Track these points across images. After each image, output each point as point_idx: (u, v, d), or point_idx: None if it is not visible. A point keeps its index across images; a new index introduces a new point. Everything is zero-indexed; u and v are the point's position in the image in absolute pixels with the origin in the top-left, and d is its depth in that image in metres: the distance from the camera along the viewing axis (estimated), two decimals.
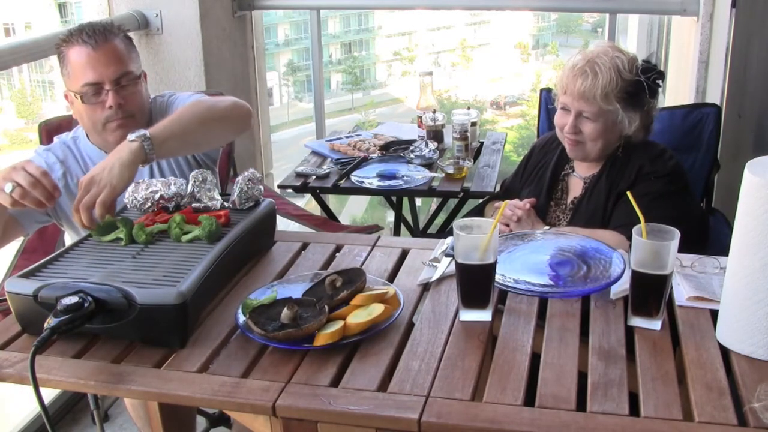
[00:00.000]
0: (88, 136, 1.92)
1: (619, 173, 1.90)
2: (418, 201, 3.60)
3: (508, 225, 1.92)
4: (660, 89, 1.92)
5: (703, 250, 1.57)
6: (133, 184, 1.65)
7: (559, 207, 2.01)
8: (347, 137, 2.99)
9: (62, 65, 1.82)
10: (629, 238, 1.62)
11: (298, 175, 2.65)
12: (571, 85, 1.88)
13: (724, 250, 1.33)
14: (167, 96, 1.99)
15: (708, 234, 2.02)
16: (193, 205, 1.61)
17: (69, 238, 2.11)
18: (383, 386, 1.17)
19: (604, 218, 1.88)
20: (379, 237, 1.71)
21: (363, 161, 2.69)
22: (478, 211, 2.22)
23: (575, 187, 2.00)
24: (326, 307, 1.31)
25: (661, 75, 1.90)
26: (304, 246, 1.70)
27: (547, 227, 1.90)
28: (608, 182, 1.90)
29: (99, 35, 1.78)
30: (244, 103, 1.87)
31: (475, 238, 1.30)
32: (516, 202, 1.96)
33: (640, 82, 1.86)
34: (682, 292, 1.40)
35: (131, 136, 1.60)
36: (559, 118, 1.95)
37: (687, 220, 1.79)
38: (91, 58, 1.77)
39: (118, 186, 1.54)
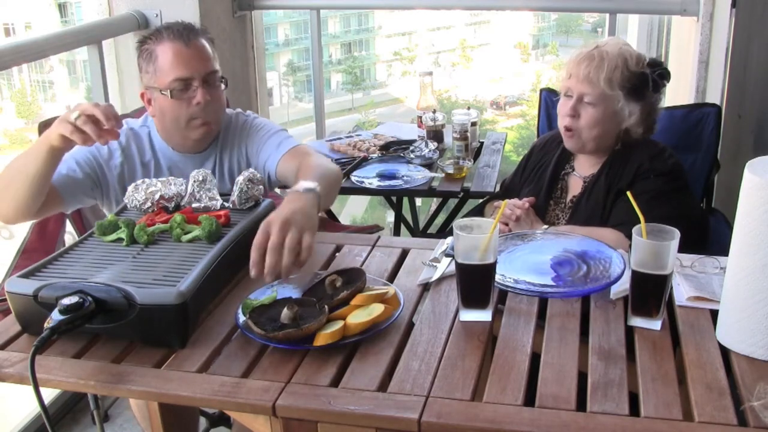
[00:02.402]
0: (160, 131, 1.92)
1: (619, 172, 1.90)
2: (418, 201, 3.60)
3: (507, 224, 1.92)
4: (664, 87, 1.93)
5: (703, 250, 1.57)
6: (132, 185, 1.65)
7: (559, 206, 2.01)
8: (347, 137, 2.99)
9: (146, 62, 1.83)
10: (628, 236, 1.63)
11: None
12: (576, 69, 1.90)
13: (724, 250, 1.33)
14: (250, 118, 2.00)
15: (708, 233, 2.02)
16: (193, 205, 1.61)
17: (69, 239, 2.11)
18: (383, 386, 1.17)
19: (603, 217, 1.88)
20: (379, 237, 1.71)
21: (363, 161, 2.69)
22: (478, 211, 2.22)
23: (575, 186, 2.00)
24: (326, 307, 1.31)
25: (668, 73, 1.92)
26: None
27: (546, 226, 1.90)
28: (607, 181, 1.90)
29: (190, 32, 1.82)
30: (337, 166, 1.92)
31: (475, 238, 1.30)
32: (515, 201, 1.97)
33: (645, 74, 1.88)
34: (682, 292, 1.40)
35: (302, 187, 1.54)
36: (561, 105, 1.96)
37: (687, 218, 1.79)
38: (183, 54, 1.80)
39: (314, 231, 1.46)
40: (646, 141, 1.95)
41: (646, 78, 1.88)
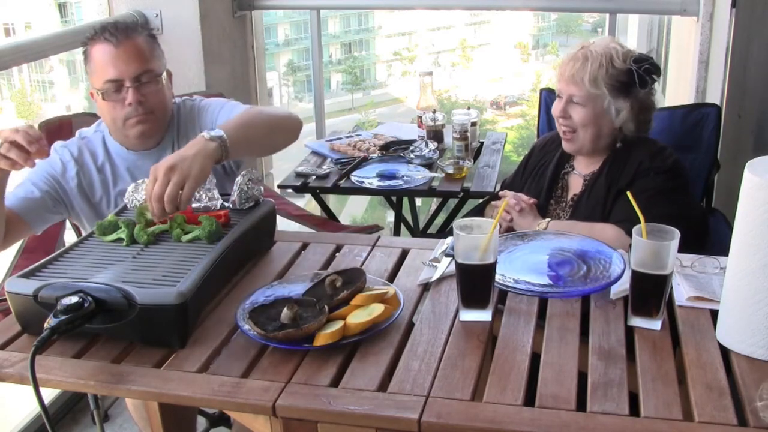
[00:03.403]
0: (110, 133, 1.93)
1: (619, 170, 1.90)
2: (418, 201, 3.60)
3: (508, 213, 1.93)
4: (652, 83, 1.92)
5: (702, 249, 1.57)
6: (132, 184, 1.65)
7: (559, 205, 2.01)
8: (347, 137, 2.99)
9: (86, 63, 1.85)
10: (628, 232, 1.63)
11: (298, 175, 2.65)
12: (563, 70, 1.91)
13: (724, 250, 1.33)
14: (197, 101, 2.00)
15: (708, 232, 2.02)
16: (193, 205, 1.61)
17: (69, 238, 2.12)
18: (383, 386, 1.17)
19: (603, 215, 1.88)
20: (379, 237, 1.71)
21: (363, 161, 2.69)
22: (478, 211, 2.22)
23: (575, 185, 2.00)
24: (326, 307, 1.31)
25: (656, 68, 1.91)
26: (304, 246, 1.70)
27: (548, 219, 1.91)
28: (608, 179, 1.90)
29: (121, 33, 1.80)
30: (296, 115, 1.90)
31: (475, 238, 1.30)
32: (521, 195, 1.98)
33: (631, 71, 1.87)
34: (682, 292, 1.40)
35: (207, 135, 1.57)
36: (554, 106, 1.97)
37: (687, 217, 1.79)
38: (113, 56, 1.79)
39: (200, 180, 1.51)
40: (646, 139, 1.95)
41: (631, 74, 1.87)
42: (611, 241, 1.58)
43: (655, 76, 1.92)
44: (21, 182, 1.85)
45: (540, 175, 2.07)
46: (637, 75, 1.87)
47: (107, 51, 1.80)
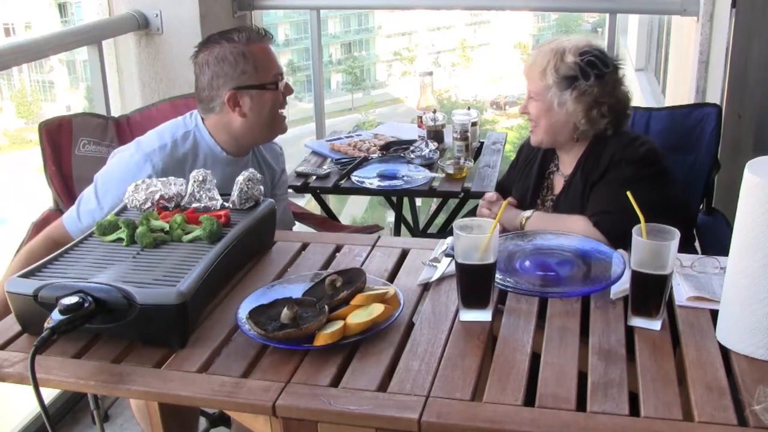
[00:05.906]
0: (212, 135, 1.93)
1: (593, 165, 1.90)
2: (418, 201, 3.60)
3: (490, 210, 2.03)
4: (597, 76, 1.86)
5: (689, 238, 1.57)
6: (133, 184, 1.65)
7: (544, 204, 2.04)
8: (347, 137, 2.99)
9: (241, 63, 1.88)
10: (596, 224, 1.70)
11: (299, 175, 2.65)
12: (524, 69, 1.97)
13: (724, 250, 1.33)
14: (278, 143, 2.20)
15: (693, 218, 2.03)
16: (193, 204, 1.61)
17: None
18: (383, 386, 1.18)
19: (582, 212, 1.87)
20: (379, 237, 1.71)
21: (363, 161, 2.69)
22: (473, 214, 2.23)
23: (558, 185, 2.02)
24: (326, 307, 1.31)
25: (601, 61, 1.88)
26: (304, 246, 1.70)
27: (533, 210, 1.95)
28: (583, 176, 1.91)
29: (266, 34, 1.96)
30: None
31: (475, 238, 1.30)
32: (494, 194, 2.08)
33: (576, 63, 1.86)
34: (682, 292, 1.40)
35: None
36: None
37: (659, 204, 1.72)
38: (272, 53, 1.96)
39: None
40: (620, 132, 1.93)
41: (576, 67, 1.86)
42: (580, 233, 1.65)
43: (597, 69, 1.87)
44: (92, 208, 1.79)
45: (527, 174, 2.09)
46: (578, 66, 1.86)
47: (268, 49, 1.95)
